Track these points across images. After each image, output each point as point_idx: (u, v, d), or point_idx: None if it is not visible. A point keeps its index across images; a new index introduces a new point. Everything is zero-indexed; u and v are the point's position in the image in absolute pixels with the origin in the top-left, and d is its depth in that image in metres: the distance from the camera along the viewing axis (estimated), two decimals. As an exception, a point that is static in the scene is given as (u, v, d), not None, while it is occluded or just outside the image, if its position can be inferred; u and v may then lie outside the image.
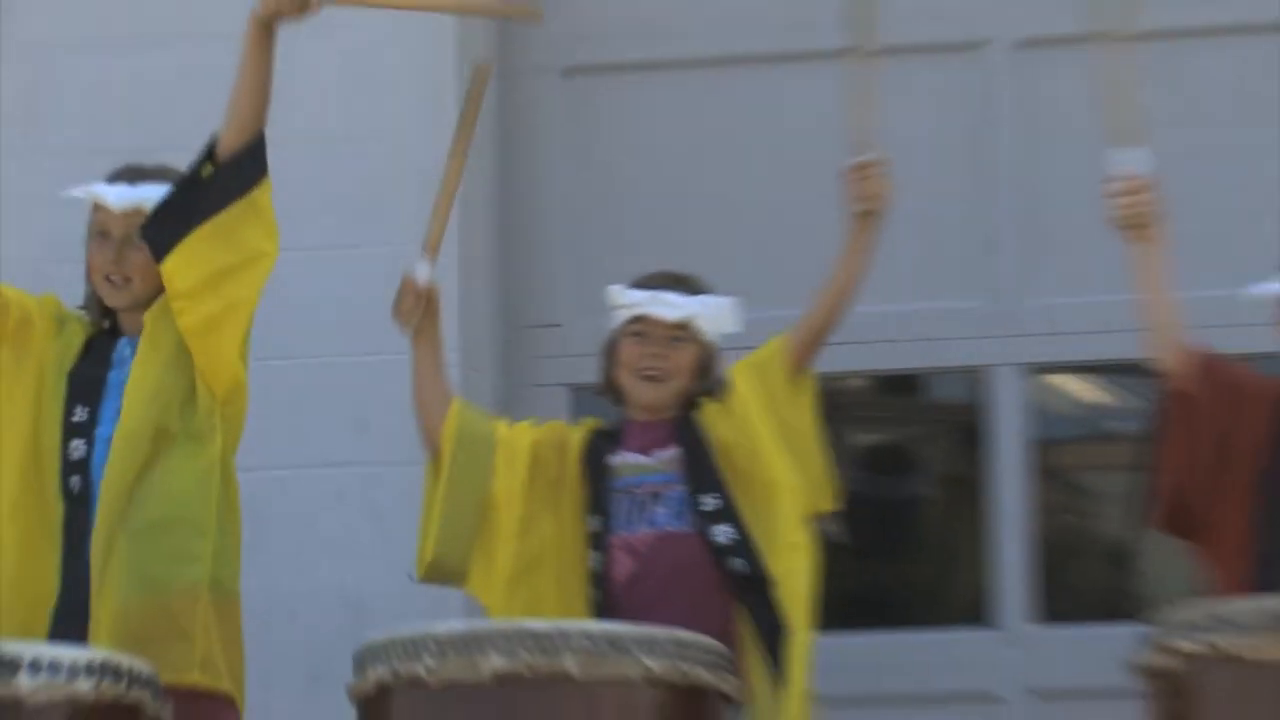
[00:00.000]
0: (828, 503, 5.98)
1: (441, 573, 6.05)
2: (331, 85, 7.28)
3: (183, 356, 6.00)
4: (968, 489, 7.44)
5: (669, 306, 5.99)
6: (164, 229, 5.99)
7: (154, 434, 5.98)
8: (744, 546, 5.91)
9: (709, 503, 5.96)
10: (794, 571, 5.89)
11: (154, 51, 7.79)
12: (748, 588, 5.85)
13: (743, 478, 5.96)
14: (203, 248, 6.00)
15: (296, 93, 6.54)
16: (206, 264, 5.98)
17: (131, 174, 6.11)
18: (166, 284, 5.95)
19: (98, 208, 6.05)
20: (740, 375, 6.02)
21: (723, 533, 5.91)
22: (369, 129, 7.25)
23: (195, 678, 5.77)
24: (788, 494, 5.94)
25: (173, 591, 5.90)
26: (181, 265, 5.98)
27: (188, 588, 5.93)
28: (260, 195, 6.02)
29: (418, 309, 6.05)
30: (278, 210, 6.12)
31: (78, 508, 5.92)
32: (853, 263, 5.94)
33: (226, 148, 5.96)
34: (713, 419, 5.96)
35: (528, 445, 6.06)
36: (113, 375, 6.07)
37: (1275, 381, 5.80)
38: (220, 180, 6.00)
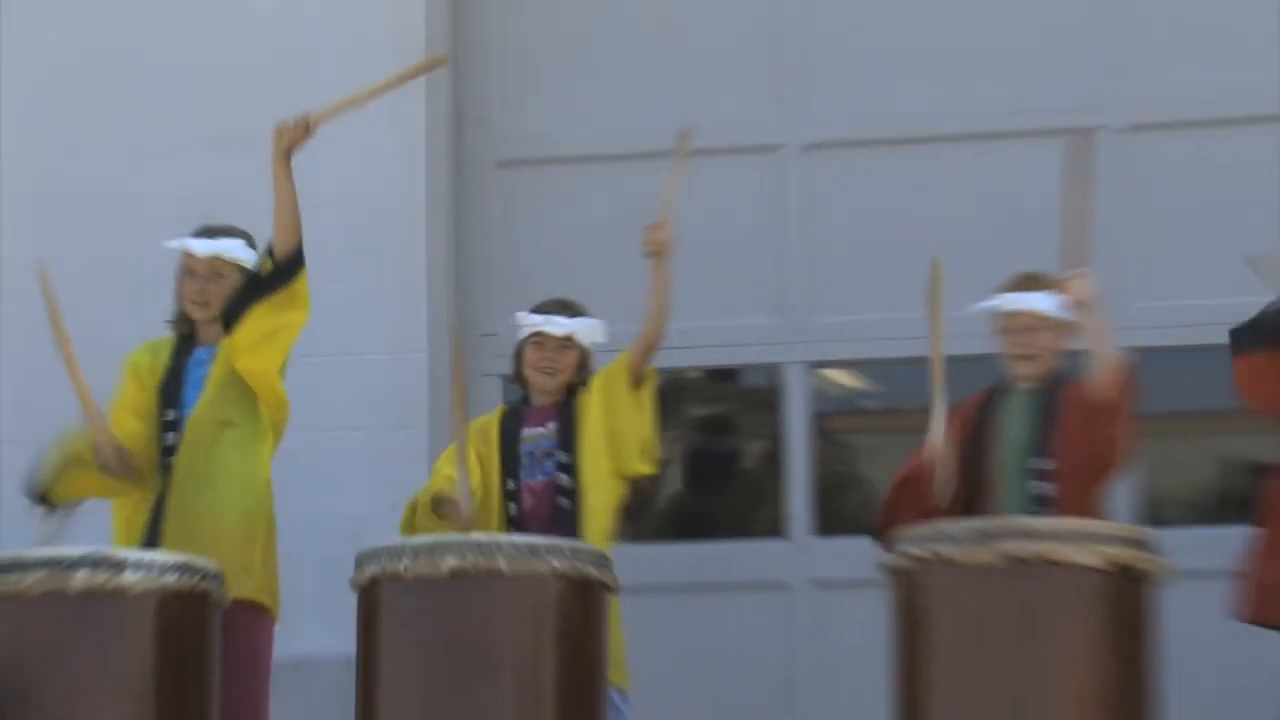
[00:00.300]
0: (650, 466, 6.44)
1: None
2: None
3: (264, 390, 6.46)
4: (769, 445, 7.82)
5: (558, 325, 6.41)
6: (236, 305, 6.36)
7: (220, 423, 6.40)
8: (573, 491, 6.35)
9: (561, 458, 6.39)
10: (597, 510, 6.35)
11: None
12: (569, 520, 6.28)
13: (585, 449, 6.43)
14: (258, 318, 6.33)
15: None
16: (259, 329, 6.33)
17: (208, 231, 6.50)
18: (232, 339, 6.34)
19: (186, 254, 6.48)
20: (595, 380, 6.48)
21: (565, 480, 6.36)
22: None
23: (251, 595, 6.26)
24: (604, 469, 6.39)
25: (237, 533, 6.34)
26: (243, 329, 6.32)
27: (248, 532, 6.37)
28: (299, 282, 6.38)
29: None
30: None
31: (169, 477, 6.36)
32: (658, 293, 6.36)
33: (279, 249, 6.34)
34: (585, 404, 6.43)
35: (472, 454, 6.27)
36: (191, 376, 6.47)
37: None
38: (274, 274, 6.36)
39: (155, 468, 6.42)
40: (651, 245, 6.35)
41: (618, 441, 6.42)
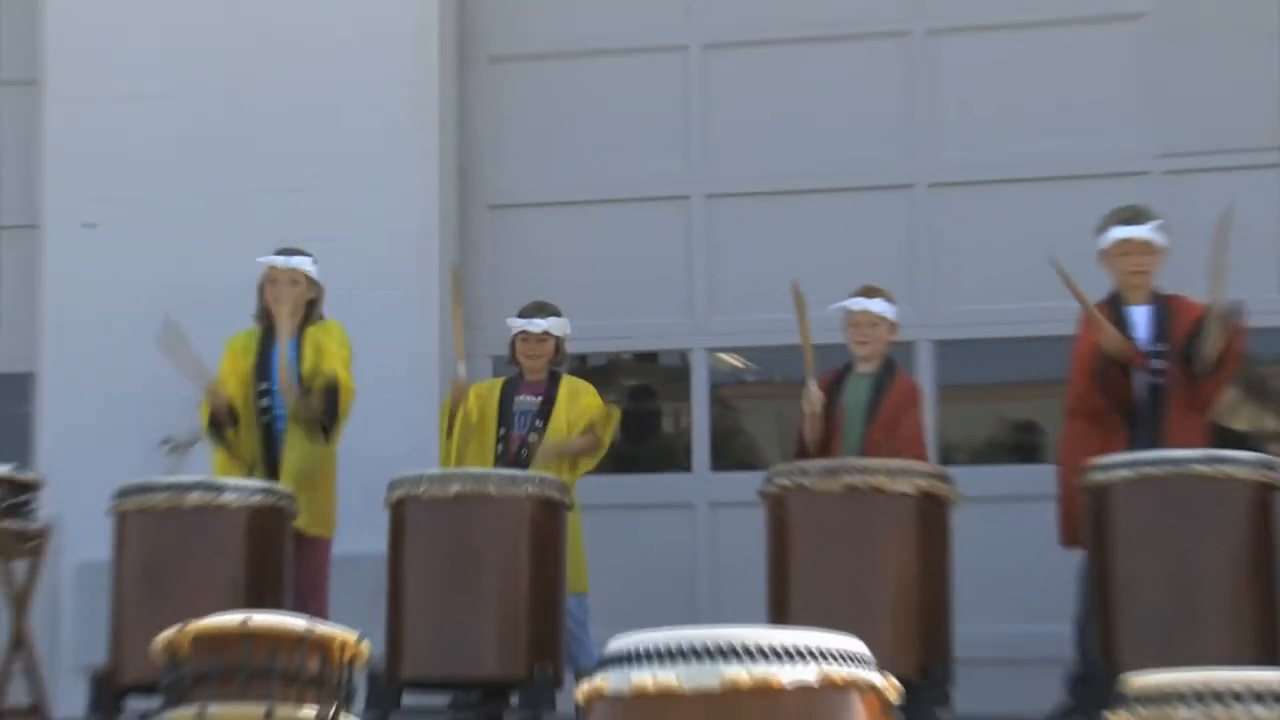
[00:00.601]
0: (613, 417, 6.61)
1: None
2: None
3: (319, 353, 6.44)
4: (682, 408, 7.69)
5: (536, 325, 6.56)
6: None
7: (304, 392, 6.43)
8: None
9: (538, 424, 6.49)
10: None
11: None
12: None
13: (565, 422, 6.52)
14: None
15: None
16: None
17: (287, 251, 6.53)
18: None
19: (271, 267, 6.51)
20: (576, 404, 6.50)
21: (536, 439, 6.44)
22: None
23: (318, 531, 6.39)
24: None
25: (316, 475, 6.42)
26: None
27: (321, 474, 6.46)
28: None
29: (463, 392, 6.45)
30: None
31: (269, 430, 6.46)
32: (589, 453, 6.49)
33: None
34: (562, 392, 6.52)
35: (473, 399, 6.48)
36: (275, 358, 6.46)
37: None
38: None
39: (253, 423, 6.46)
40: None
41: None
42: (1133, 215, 6.06)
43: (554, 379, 6.60)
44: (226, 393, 6.40)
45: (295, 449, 6.44)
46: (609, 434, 6.54)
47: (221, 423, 6.40)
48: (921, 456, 6.09)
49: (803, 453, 6.17)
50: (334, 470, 6.54)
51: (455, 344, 6.42)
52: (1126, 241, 5.97)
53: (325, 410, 6.34)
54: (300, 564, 6.16)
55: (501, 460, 6.43)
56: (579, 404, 6.54)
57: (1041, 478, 6.76)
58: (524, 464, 6.38)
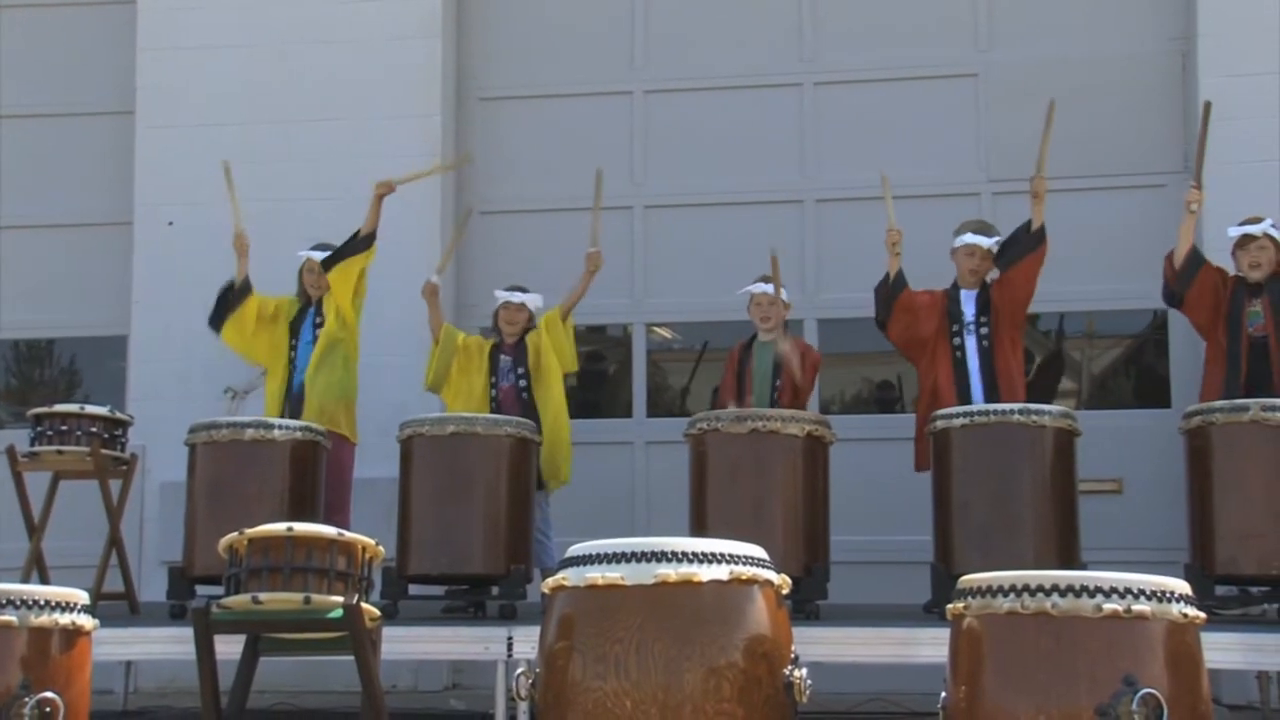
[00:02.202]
0: (574, 366, 6.46)
1: (434, 390, 6.50)
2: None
3: (339, 317, 6.39)
4: (625, 368, 7.58)
5: (515, 298, 6.46)
6: (332, 258, 6.38)
7: (329, 344, 6.39)
8: (527, 390, 6.33)
9: (519, 371, 6.35)
10: (545, 400, 6.32)
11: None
12: (528, 404, 6.27)
13: (539, 361, 6.38)
14: (343, 268, 6.37)
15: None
16: (342, 273, 6.37)
17: (321, 246, 6.47)
18: (330, 279, 6.33)
19: (309, 258, 6.47)
20: (541, 321, 6.42)
21: (522, 384, 6.33)
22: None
23: (344, 431, 6.38)
24: (555, 368, 6.38)
25: (339, 404, 6.40)
26: (335, 273, 6.37)
27: (345, 403, 6.43)
28: (369, 254, 6.42)
29: (433, 295, 6.40)
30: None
31: (291, 379, 6.32)
32: (584, 284, 6.38)
33: (365, 231, 6.37)
34: (533, 338, 6.39)
35: (463, 341, 6.42)
36: (306, 325, 6.46)
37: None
38: (358, 243, 6.40)
39: (282, 372, 6.39)
40: (590, 263, 6.35)
41: (558, 352, 6.34)
42: (981, 227, 6.04)
43: (521, 343, 6.50)
44: (247, 243, 6.37)
45: (315, 393, 6.35)
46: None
47: (235, 286, 6.33)
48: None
49: (719, 405, 6.14)
50: (354, 399, 6.43)
51: (443, 257, 6.31)
52: (975, 246, 5.93)
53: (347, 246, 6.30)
54: (329, 472, 6.00)
55: (495, 406, 6.33)
56: (550, 323, 6.38)
57: (896, 424, 6.82)
58: (515, 409, 6.18)
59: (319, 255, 6.45)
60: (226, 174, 6.12)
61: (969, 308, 5.87)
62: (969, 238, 5.93)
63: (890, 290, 5.86)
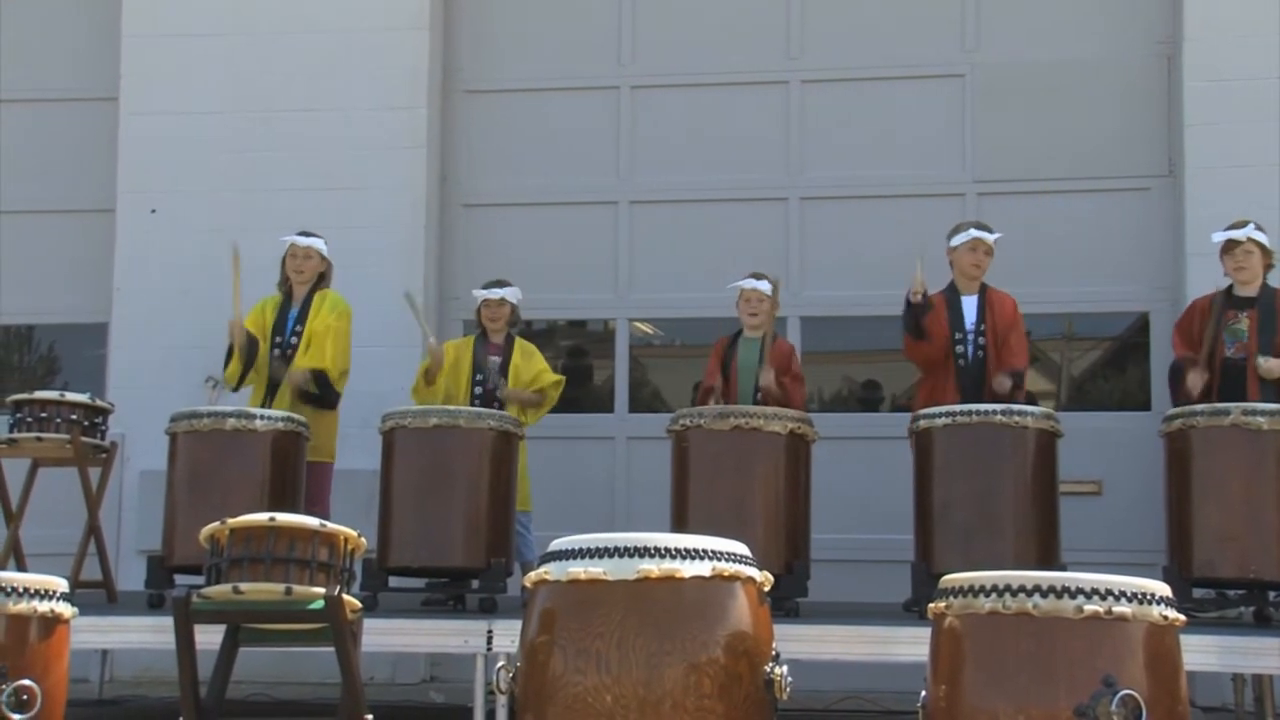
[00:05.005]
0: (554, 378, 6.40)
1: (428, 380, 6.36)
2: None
3: (329, 314, 6.25)
4: (607, 363, 7.56)
5: (494, 294, 6.40)
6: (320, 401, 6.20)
7: (310, 338, 6.27)
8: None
9: (503, 374, 6.31)
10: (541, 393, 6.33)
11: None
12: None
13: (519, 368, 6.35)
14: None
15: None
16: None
17: (305, 233, 6.35)
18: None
19: (292, 244, 6.32)
20: (529, 364, 6.35)
21: (499, 383, 6.27)
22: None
23: (323, 458, 6.21)
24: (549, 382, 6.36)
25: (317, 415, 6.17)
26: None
27: (321, 414, 6.22)
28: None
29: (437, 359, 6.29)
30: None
31: (279, 370, 6.24)
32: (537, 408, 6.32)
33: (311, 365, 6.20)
34: (516, 356, 6.36)
35: (449, 349, 6.36)
36: (291, 318, 6.31)
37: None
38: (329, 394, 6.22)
39: (268, 367, 6.28)
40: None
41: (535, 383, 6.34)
42: (981, 225, 5.96)
43: (509, 341, 6.46)
44: (243, 328, 6.21)
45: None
46: (556, 395, 6.40)
47: (240, 346, 6.20)
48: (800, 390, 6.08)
49: (701, 401, 6.09)
50: (335, 413, 6.35)
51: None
52: (979, 240, 5.83)
53: (320, 393, 6.16)
54: (311, 472, 6.01)
55: (480, 401, 6.26)
56: (531, 363, 6.37)
57: (879, 423, 6.89)
58: (500, 404, 6.23)
59: (303, 241, 6.38)
60: (235, 260, 6.02)
61: (970, 315, 5.82)
62: (972, 232, 5.84)
63: (920, 309, 5.74)
